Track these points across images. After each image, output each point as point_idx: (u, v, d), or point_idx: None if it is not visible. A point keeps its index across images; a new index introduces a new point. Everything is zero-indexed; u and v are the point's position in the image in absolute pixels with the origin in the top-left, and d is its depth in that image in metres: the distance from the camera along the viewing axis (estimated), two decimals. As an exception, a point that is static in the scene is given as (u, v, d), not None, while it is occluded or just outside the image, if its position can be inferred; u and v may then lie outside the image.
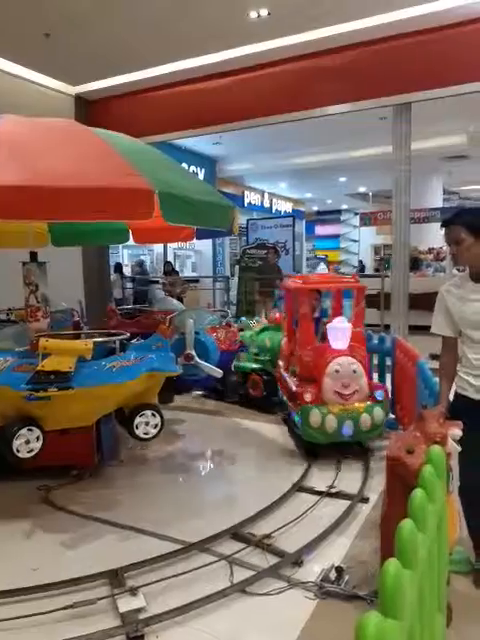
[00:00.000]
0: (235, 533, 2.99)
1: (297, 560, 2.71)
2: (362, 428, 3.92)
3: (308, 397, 3.99)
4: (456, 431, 2.24)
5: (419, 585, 1.36)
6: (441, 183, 14.41)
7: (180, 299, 10.43)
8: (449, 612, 2.01)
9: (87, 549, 2.92)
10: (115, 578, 2.56)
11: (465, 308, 2.44)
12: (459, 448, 2.24)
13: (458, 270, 2.61)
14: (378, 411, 3.97)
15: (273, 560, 2.72)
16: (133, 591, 2.45)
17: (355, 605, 2.35)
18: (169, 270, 11.78)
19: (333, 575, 2.53)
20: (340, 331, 4.10)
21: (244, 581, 2.54)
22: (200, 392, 5.97)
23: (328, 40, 6.35)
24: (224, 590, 2.47)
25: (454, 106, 7.21)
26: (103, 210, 2.99)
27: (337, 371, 3.94)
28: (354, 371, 3.95)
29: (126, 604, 2.37)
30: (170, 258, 12.42)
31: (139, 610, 2.34)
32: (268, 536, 2.93)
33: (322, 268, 3.76)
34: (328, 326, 4.16)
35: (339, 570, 2.55)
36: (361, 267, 19.23)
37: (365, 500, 3.37)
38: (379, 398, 4.02)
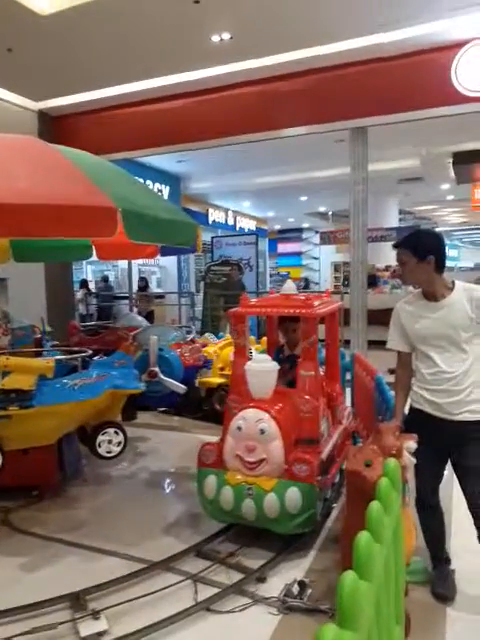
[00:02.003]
0: (199, 551, 2.99)
1: (260, 576, 2.73)
2: (266, 513, 2.84)
3: (208, 457, 3.09)
4: (411, 444, 2.33)
5: (376, 596, 1.40)
6: (397, 203, 14.94)
7: (150, 315, 10.43)
8: (408, 622, 2.07)
9: (48, 572, 2.86)
10: (76, 601, 2.52)
11: (417, 324, 2.55)
12: (414, 460, 2.33)
13: (414, 287, 2.75)
14: (293, 494, 2.82)
15: (237, 577, 2.73)
16: (95, 614, 2.42)
17: (317, 619, 2.38)
18: (143, 286, 11.80)
19: (296, 589, 2.56)
20: (255, 374, 3.11)
21: (208, 599, 2.54)
22: (164, 409, 5.94)
23: (288, 65, 6.55)
24: (188, 609, 2.46)
25: (408, 131, 7.54)
26: (66, 227, 2.99)
27: (239, 428, 2.95)
28: (261, 431, 2.88)
29: (88, 628, 2.33)
30: (134, 274, 12.37)
31: (101, 633, 2.31)
32: (232, 554, 2.95)
33: (289, 286, 3.36)
34: (245, 367, 3.15)
35: (302, 584, 2.58)
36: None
37: (327, 514, 3.42)
38: (299, 474, 2.86)
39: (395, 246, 2.59)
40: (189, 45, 6.25)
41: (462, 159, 10.17)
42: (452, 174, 11.13)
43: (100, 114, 8.01)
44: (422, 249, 2.48)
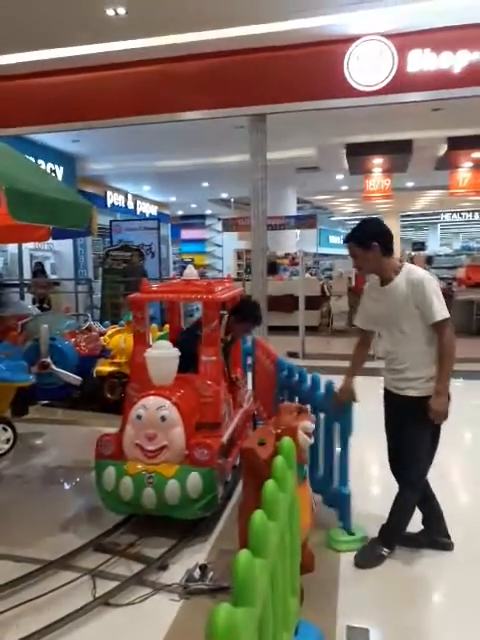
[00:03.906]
0: (98, 545, 2.89)
1: (162, 565, 2.70)
2: (168, 500, 2.81)
3: (106, 448, 3.01)
4: (307, 424, 2.39)
5: (271, 571, 1.44)
6: (295, 192, 15.38)
7: (44, 302, 9.88)
8: (301, 592, 2.14)
9: None
10: (-39, 612, 2.33)
11: (373, 308, 2.76)
12: (310, 441, 2.39)
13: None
14: (194, 479, 2.82)
15: (138, 568, 2.67)
16: (-19, 623, 2.25)
17: (220, 598, 2.39)
18: (38, 270, 11.14)
19: (197, 573, 2.56)
20: (155, 362, 3.04)
21: (108, 593, 2.47)
22: (46, 402, 5.61)
23: (187, 46, 6.43)
24: (86, 606, 2.37)
25: (305, 120, 7.75)
26: None
27: (139, 417, 2.89)
28: (162, 418, 2.85)
29: (-27, 638, 2.17)
30: (25, 259, 11.61)
31: (-11, 642, 2.15)
32: (132, 544, 2.88)
33: (190, 272, 3.35)
34: (145, 354, 3.07)
35: (203, 568, 2.59)
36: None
37: (228, 496, 3.46)
38: (200, 458, 2.87)
39: (344, 241, 2.73)
40: (83, 16, 5.92)
41: (355, 151, 10.69)
42: (346, 165, 11.65)
43: (-15, 84, 7.35)
44: (365, 237, 2.63)
